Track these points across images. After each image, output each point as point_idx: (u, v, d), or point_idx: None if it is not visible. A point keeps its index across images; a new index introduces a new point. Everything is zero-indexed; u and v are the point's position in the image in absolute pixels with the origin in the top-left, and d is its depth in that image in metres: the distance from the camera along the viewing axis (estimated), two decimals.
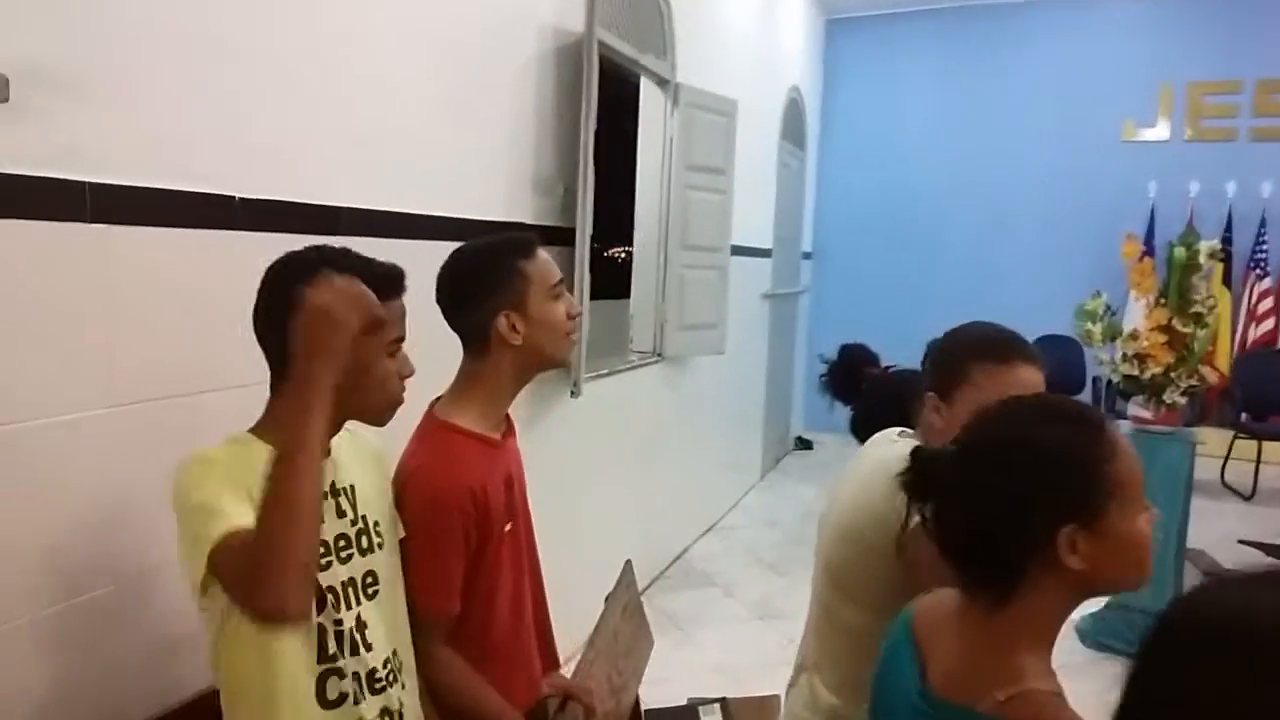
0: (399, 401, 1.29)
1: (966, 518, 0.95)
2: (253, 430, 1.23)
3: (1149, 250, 5.70)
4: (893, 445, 1.47)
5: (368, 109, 2.10)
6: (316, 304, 1.08)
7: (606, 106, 3.09)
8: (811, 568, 4.79)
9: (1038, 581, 0.92)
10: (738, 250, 4.86)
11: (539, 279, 1.45)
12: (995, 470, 0.93)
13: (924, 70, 7.21)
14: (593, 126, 2.92)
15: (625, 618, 2.26)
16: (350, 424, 1.31)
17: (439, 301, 1.48)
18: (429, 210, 2.32)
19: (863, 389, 2.00)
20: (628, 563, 2.50)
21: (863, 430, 2.00)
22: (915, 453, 1.01)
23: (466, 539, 1.40)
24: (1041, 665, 0.94)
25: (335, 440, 1.27)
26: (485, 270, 1.45)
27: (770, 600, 4.20)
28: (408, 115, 2.26)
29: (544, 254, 1.49)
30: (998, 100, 6.99)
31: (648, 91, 3.83)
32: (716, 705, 2.29)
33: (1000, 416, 1.00)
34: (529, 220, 2.83)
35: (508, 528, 1.48)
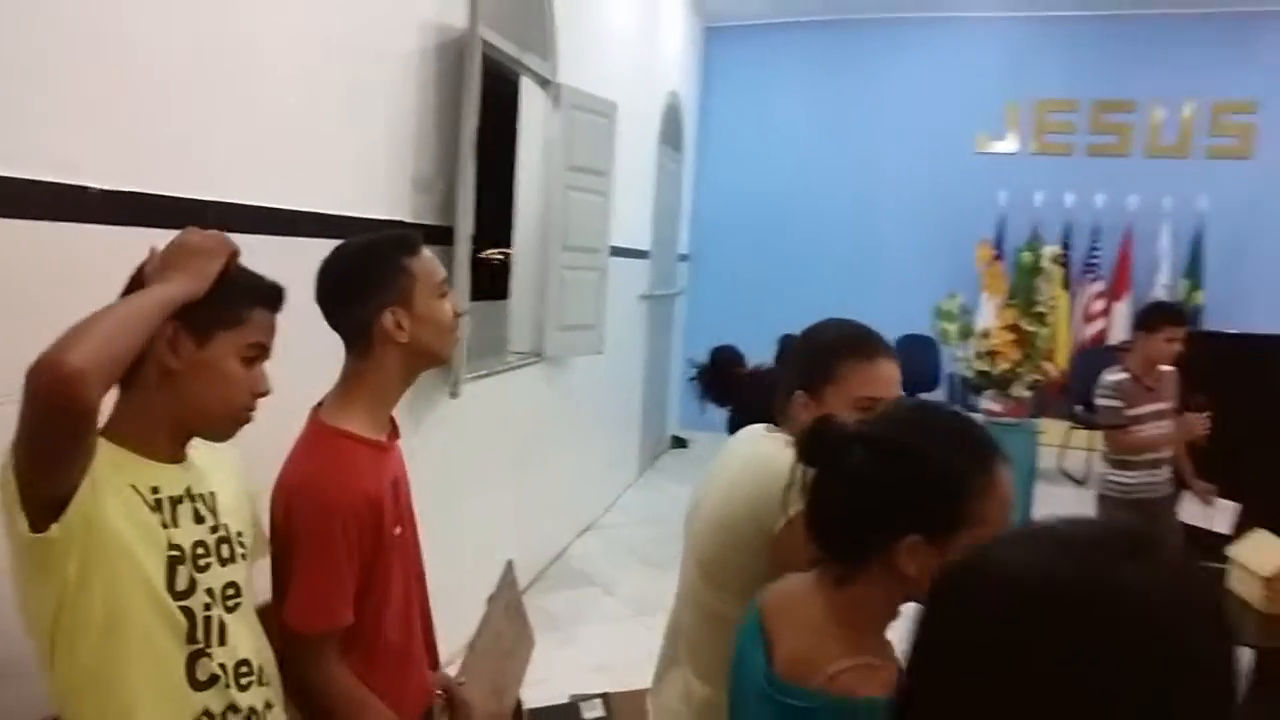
0: (244, 416, 1.23)
1: (840, 493, 1.01)
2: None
3: (999, 255, 6.08)
4: (765, 440, 1.53)
5: (242, 100, 2.02)
6: (182, 239, 1.12)
7: (486, 105, 3.06)
8: None
9: (875, 574, 1.00)
10: (617, 251, 4.91)
11: (424, 276, 1.44)
12: (883, 463, 0.99)
13: (796, 80, 7.48)
14: (474, 125, 2.90)
15: (507, 619, 2.26)
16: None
17: (320, 300, 1.44)
18: (305, 206, 2.24)
19: (739, 389, 2.06)
20: (509, 563, 2.49)
21: (740, 428, 2.08)
22: (822, 420, 1.06)
23: (361, 547, 1.37)
24: (875, 644, 1.01)
25: (192, 448, 1.23)
26: (370, 267, 1.42)
27: (649, 597, 4.25)
28: (284, 108, 2.18)
29: (428, 252, 1.48)
30: (864, 111, 7.32)
31: (528, 91, 3.82)
32: (598, 701, 2.32)
33: (910, 418, 1.07)
34: (408, 218, 2.78)
35: (397, 532, 1.47)
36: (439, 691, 1.61)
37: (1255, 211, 6.66)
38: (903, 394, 1.51)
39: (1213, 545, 2.99)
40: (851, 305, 6.83)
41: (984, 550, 0.68)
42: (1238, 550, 2.77)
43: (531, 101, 3.88)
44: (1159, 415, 3.41)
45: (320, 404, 1.47)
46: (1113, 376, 3.43)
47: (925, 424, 1.04)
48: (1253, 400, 3.78)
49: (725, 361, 2.15)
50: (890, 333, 5.98)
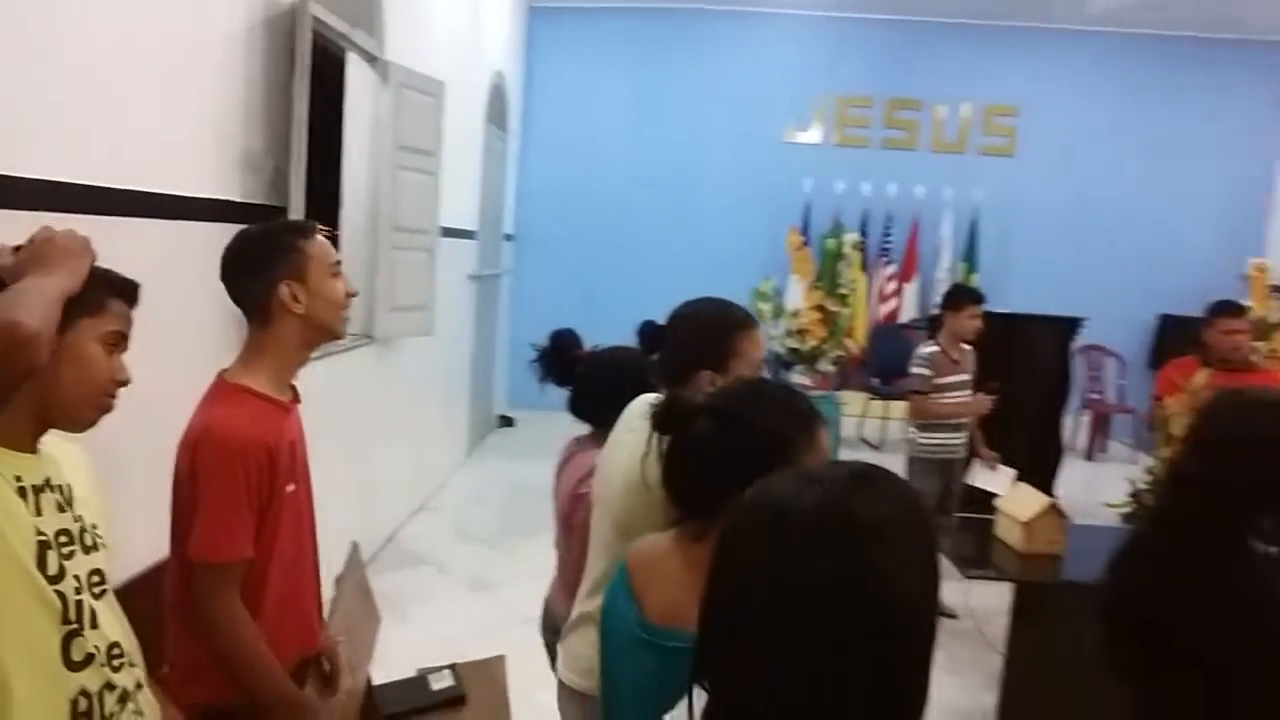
0: (106, 403, 1.25)
1: (690, 458, 1.16)
2: None
3: (807, 241, 6.56)
4: None
5: (57, 72, 1.91)
6: (49, 236, 1.12)
7: (311, 82, 3.00)
8: (524, 538, 5.00)
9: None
10: (444, 232, 4.90)
11: (319, 256, 1.60)
12: (726, 430, 1.15)
13: (619, 64, 7.66)
14: (306, 103, 2.85)
15: (355, 598, 2.30)
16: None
17: (224, 277, 1.58)
18: (127, 184, 2.15)
19: (579, 370, 2.19)
20: (354, 544, 2.52)
21: (585, 407, 2.21)
22: (672, 395, 1.21)
23: (259, 490, 1.48)
24: None
25: (45, 441, 1.23)
26: (269, 245, 1.58)
27: (483, 573, 4.35)
28: (102, 82, 2.07)
29: (322, 237, 1.62)
30: (684, 98, 7.62)
31: (355, 68, 3.74)
32: (446, 671, 2.38)
33: (746, 392, 1.24)
34: (238, 198, 2.70)
35: (290, 489, 1.58)
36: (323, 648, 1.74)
37: (1019, 204, 7.55)
38: None
39: (986, 502, 3.45)
40: (674, 287, 7.16)
41: (757, 489, 0.83)
42: (1003, 501, 3.23)
43: (359, 79, 3.81)
44: (962, 386, 3.90)
45: (224, 371, 1.58)
46: (926, 349, 3.91)
47: (758, 396, 1.23)
48: (1018, 372, 4.37)
49: (565, 344, 2.26)
50: None
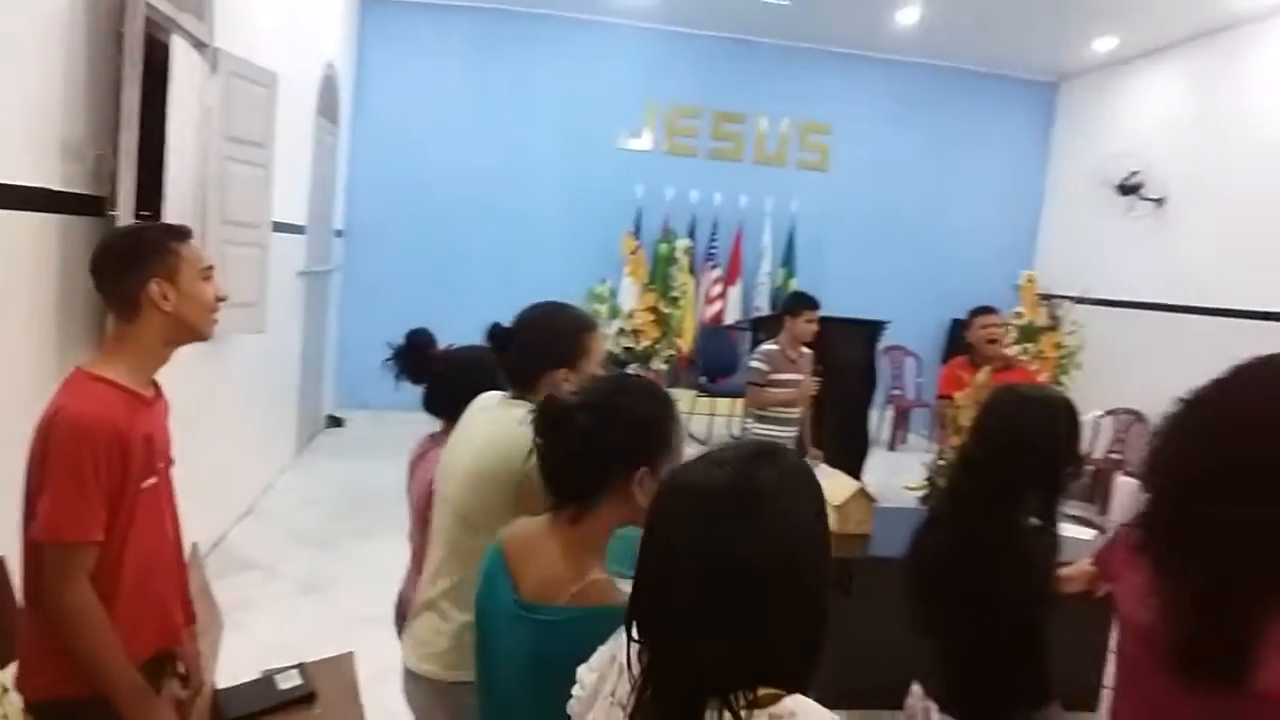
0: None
1: (573, 450, 1.28)
2: None
3: (641, 245, 6.78)
4: (511, 406, 1.77)
5: None
6: None
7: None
8: (358, 539, 4.95)
9: (605, 508, 1.29)
10: (274, 226, 4.74)
11: (191, 259, 1.64)
12: (607, 420, 1.28)
13: (455, 61, 7.61)
14: (137, 87, 2.73)
15: (199, 601, 2.26)
16: None
17: (94, 271, 1.61)
18: None
19: (435, 368, 2.26)
20: (194, 546, 2.47)
21: (440, 404, 2.27)
22: (548, 399, 1.33)
23: (109, 476, 1.48)
24: (600, 563, 1.32)
25: None
26: (142, 242, 1.62)
27: (317, 575, 4.27)
28: None
29: (195, 241, 1.66)
30: (519, 99, 7.67)
31: (182, 54, 3.57)
32: (294, 670, 2.37)
33: (615, 386, 1.37)
34: (56, 186, 2.55)
35: (146, 483, 1.58)
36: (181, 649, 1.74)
37: (831, 215, 8.14)
38: None
39: None
40: (510, 287, 7.39)
41: (675, 474, 1.02)
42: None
43: (186, 66, 3.64)
44: (797, 384, 4.23)
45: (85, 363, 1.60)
46: (767, 347, 4.23)
47: (625, 388, 1.37)
48: (831, 370, 4.77)
49: (420, 343, 2.32)
50: None
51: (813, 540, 0.96)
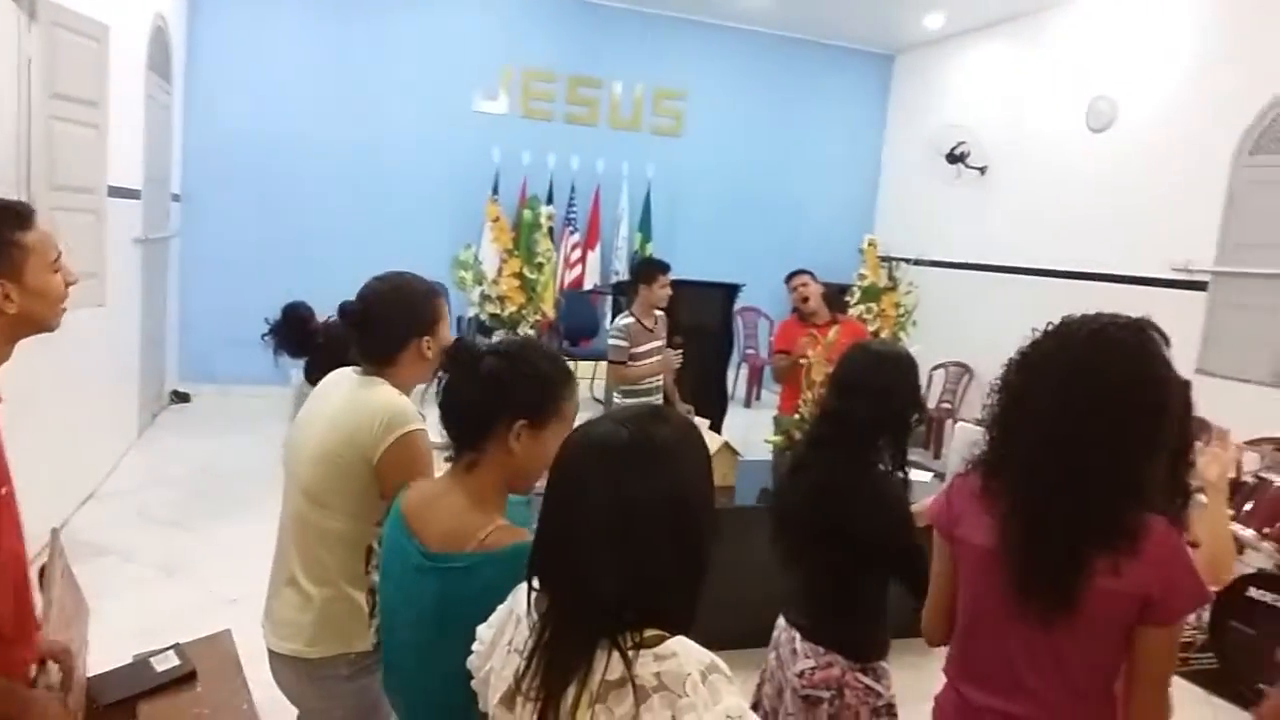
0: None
1: (472, 392, 1.36)
2: None
3: (502, 211, 6.74)
4: (364, 384, 1.81)
5: None
6: None
7: None
8: (214, 519, 4.83)
9: (492, 456, 1.37)
10: (109, 191, 4.44)
11: (39, 250, 1.46)
12: (509, 366, 1.36)
13: (301, 16, 7.19)
14: None
15: (64, 586, 2.19)
16: None
17: None
18: None
19: (318, 340, 2.24)
20: (54, 531, 2.38)
21: (317, 370, 2.25)
22: (458, 342, 1.42)
23: None
24: (502, 513, 1.40)
25: None
26: None
27: (175, 558, 4.12)
28: None
29: (42, 225, 1.47)
30: (370, 59, 7.38)
31: None
32: (170, 652, 2.33)
33: (520, 343, 1.46)
34: None
35: (2, 491, 1.49)
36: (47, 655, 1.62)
37: (685, 180, 8.35)
38: None
39: None
40: (365, 253, 7.24)
41: (580, 430, 1.12)
42: None
43: None
44: (657, 351, 4.32)
45: None
46: (622, 322, 4.24)
47: (533, 347, 1.46)
48: (691, 332, 4.96)
49: (300, 316, 2.29)
50: None
51: (700, 492, 1.08)
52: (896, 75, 8.94)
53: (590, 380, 7.41)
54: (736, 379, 7.97)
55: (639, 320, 4.26)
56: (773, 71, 8.55)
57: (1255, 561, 3.65)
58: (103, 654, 2.91)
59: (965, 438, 2.74)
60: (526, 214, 4.65)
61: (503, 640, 1.12)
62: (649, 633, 1.00)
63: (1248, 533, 3.33)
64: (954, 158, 7.49)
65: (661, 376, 4.39)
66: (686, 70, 8.29)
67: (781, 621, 2.08)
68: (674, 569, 1.03)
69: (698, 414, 4.72)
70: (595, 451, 1.06)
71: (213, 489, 5.03)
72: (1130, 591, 1.32)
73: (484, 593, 1.22)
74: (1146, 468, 1.36)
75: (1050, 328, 1.46)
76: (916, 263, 6.17)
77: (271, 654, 1.85)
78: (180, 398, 6.79)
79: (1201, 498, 1.97)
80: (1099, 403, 1.34)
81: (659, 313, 4.39)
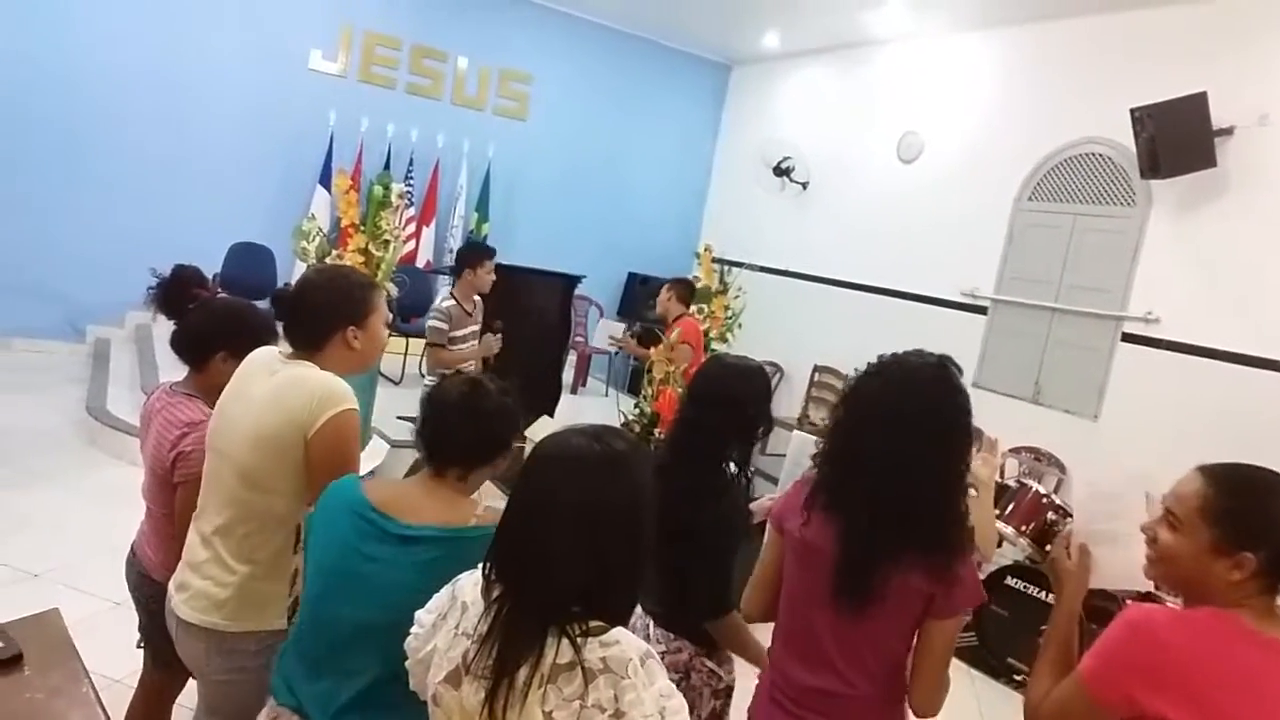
0: None
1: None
2: None
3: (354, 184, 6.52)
4: (294, 366, 1.85)
5: None
6: None
7: None
8: (7, 487, 4.50)
9: (482, 474, 1.60)
10: None
11: None
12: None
13: None
14: None
15: None
16: None
17: None
18: None
19: (191, 308, 2.18)
20: None
21: (189, 346, 2.19)
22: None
23: None
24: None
25: None
26: None
27: None
28: None
29: None
30: None
31: None
32: None
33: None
34: None
35: None
36: None
37: (526, 163, 8.39)
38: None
39: None
40: (175, 206, 6.85)
41: (551, 441, 1.25)
42: (531, 431, 3.87)
43: None
44: (473, 335, 4.37)
45: None
46: (444, 304, 4.25)
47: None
48: (528, 321, 5.07)
49: (186, 278, 2.22)
50: (226, 238, 6.31)
51: (650, 500, 1.24)
52: (732, 85, 9.40)
53: (421, 357, 7.32)
54: (565, 366, 8.13)
55: (460, 304, 4.30)
56: (617, 66, 8.75)
57: (1012, 555, 4.27)
58: None
59: (801, 445, 3.02)
60: (376, 190, 4.57)
61: (446, 624, 1.24)
62: (594, 623, 1.15)
63: (1008, 529, 3.89)
64: (780, 171, 8.01)
65: (475, 362, 4.37)
66: (534, 54, 8.31)
67: (639, 609, 2.28)
68: (626, 567, 1.19)
69: (531, 402, 4.83)
70: (564, 461, 1.21)
71: (2, 454, 4.60)
72: (922, 589, 1.58)
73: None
74: (959, 478, 1.64)
75: (871, 367, 1.72)
76: (743, 266, 6.58)
77: (180, 622, 1.86)
78: None
79: (973, 492, 2.35)
80: (919, 429, 1.58)
81: (478, 298, 4.44)
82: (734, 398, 2.15)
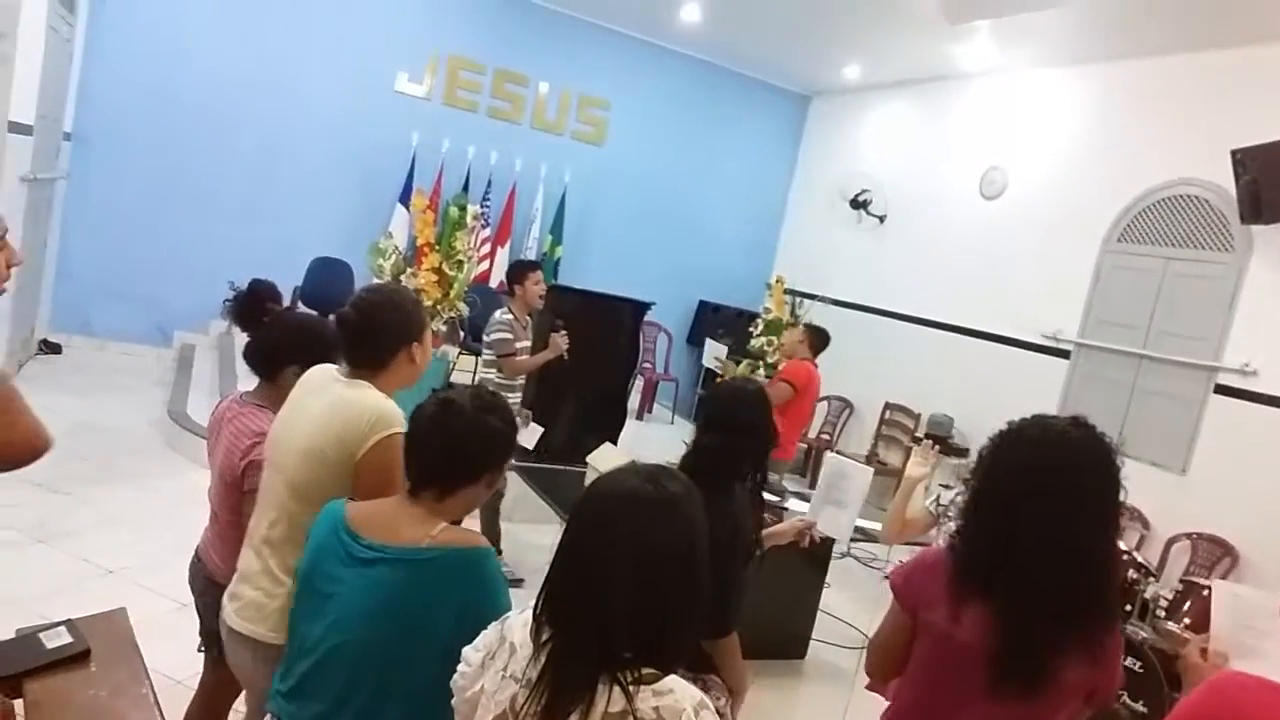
0: None
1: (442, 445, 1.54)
2: None
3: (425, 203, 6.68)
4: (348, 385, 1.87)
5: None
6: None
7: None
8: (92, 483, 4.66)
9: (465, 494, 1.57)
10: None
11: None
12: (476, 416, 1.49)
13: None
14: None
15: None
16: None
17: None
18: None
19: (265, 321, 2.23)
20: None
21: (260, 360, 2.24)
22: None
23: None
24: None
25: None
26: None
27: (50, 521, 3.92)
28: None
29: None
30: (293, 19, 7.14)
31: None
32: (61, 628, 2.26)
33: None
34: None
35: None
36: None
37: (601, 187, 8.46)
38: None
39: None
40: (265, 219, 7.06)
41: (605, 481, 1.21)
42: (593, 457, 3.87)
43: None
44: (525, 351, 4.40)
45: None
46: (505, 316, 4.29)
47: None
48: (599, 344, 5.07)
49: (261, 292, 2.26)
50: (308, 253, 6.43)
51: (705, 543, 1.20)
52: (811, 116, 9.34)
53: (488, 371, 7.40)
54: (631, 391, 8.13)
55: (516, 317, 4.32)
56: (695, 95, 8.77)
57: None
58: None
59: (835, 468, 2.97)
60: (452, 210, 4.65)
61: (494, 665, 1.21)
62: (646, 670, 1.10)
63: None
64: (857, 203, 7.90)
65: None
66: (613, 81, 8.39)
67: None
68: (681, 612, 1.14)
69: (596, 427, 4.83)
70: (621, 504, 1.16)
71: (88, 451, 4.77)
72: (1087, 679, 1.49)
73: (436, 584, 1.40)
74: (1117, 553, 1.55)
75: (1010, 431, 1.57)
76: (815, 298, 6.49)
77: (230, 631, 1.88)
78: (50, 348, 6.39)
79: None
80: (1082, 508, 1.47)
81: (528, 317, 4.46)
82: (750, 422, 2.19)
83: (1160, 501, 5.23)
